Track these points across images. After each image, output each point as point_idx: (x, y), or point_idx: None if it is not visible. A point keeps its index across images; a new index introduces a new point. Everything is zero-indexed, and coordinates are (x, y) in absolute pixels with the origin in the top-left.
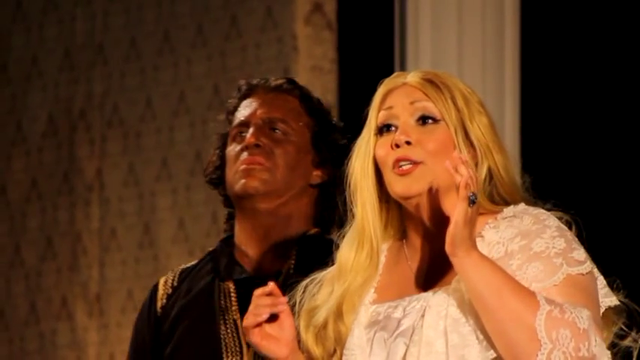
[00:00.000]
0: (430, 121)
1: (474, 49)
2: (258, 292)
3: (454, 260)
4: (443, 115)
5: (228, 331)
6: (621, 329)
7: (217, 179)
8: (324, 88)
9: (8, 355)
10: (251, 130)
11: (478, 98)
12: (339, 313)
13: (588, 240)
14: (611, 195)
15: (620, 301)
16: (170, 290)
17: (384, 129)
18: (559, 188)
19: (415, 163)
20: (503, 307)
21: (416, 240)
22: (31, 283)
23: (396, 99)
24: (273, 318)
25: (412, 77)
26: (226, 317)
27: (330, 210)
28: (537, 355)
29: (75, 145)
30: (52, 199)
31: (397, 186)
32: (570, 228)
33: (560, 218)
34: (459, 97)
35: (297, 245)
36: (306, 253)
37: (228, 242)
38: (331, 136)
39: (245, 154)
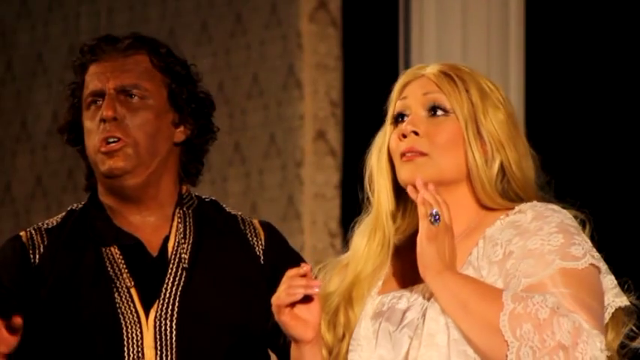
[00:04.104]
0: (440, 112)
1: (479, 47)
2: (292, 272)
3: (425, 280)
4: (454, 108)
5: (124, 300)
6: (631, 330)
7: (75, 139)
8: (329, 85)
9: None
10: (106, 101)
11: (500, 94)
12: (349, 300)
13: (601, 240)
14: (622, 196)
15: (630, 302)
16: (42, 250)
17: (398, 118)
18: (564, 184)
19: (421, 154)
20: (472, 319)
21: None
22: None
23: (411, 90)
24: (302, 300)
25: (430, 69)
26: (118, 285)
27: (195, 162)
28: (507, 355)
29: None
30: (56, 197)
31: (403, 173)
32: (584, 227)
33: (574, 217)
34: (474, 90)
35: (177, 207)
36: (186, 215)
37: (96, 204)
38: (188, 89)
39: (102, 128)
